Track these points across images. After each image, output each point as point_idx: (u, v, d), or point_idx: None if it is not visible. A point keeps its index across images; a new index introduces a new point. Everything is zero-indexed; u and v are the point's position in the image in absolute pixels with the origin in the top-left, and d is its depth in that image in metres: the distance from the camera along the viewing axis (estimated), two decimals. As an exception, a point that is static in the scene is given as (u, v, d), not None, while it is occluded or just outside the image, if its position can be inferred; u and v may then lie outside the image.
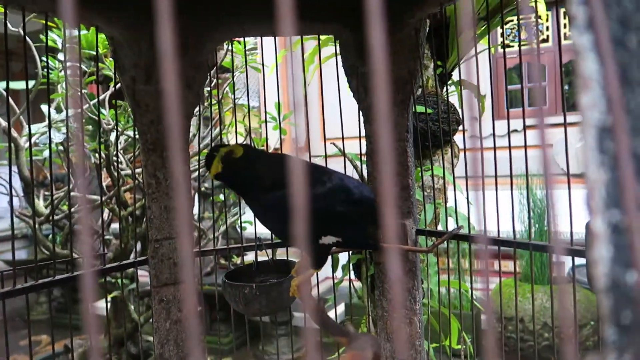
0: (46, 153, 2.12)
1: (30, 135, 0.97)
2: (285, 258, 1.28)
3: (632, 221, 0.19)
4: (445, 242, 1.15)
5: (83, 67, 2.06)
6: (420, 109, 1.55)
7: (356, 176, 1.66)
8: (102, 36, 1.31)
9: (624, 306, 0.21)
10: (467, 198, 1.23)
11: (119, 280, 2.44)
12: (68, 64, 1.84)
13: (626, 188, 0.19)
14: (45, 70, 2.13)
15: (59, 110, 2.22)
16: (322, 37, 1.56)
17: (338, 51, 1.33)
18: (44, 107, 2.14)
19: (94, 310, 0.22)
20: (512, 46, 4.78)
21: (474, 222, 1.33)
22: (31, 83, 2.06)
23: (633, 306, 0.21)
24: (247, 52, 1.60)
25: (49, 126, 0.93)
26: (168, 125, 0.19)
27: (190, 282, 0.21)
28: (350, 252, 1.52)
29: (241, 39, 2.01)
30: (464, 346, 1.74)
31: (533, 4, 1.79)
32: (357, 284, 1.83)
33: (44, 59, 2.09)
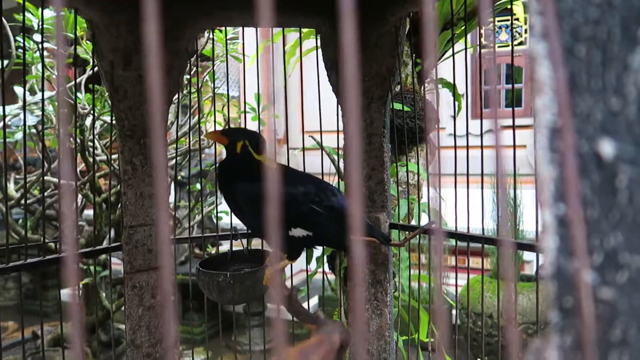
0: (17, 135, 2.07)
1: (4, 117, 0.95)
2: (260, 248, 1.29)
3: (574, 214, 0.22)
4: (417, 236, 1.18)
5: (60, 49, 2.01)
6: (397, 106, 1.58)
7: (333, 169, 1.68)
8: (80, 19, 1.28)
9: (566, 292, 0.23)
10: (439, 194, 1.26)
11: (91, 267, 2.41)
12: (46, 45, 1.80)
13: (570, 183, 0.21)
14: (19, 50, 2.08)
15: (32, 92, 2.16)
16: (304, 30, 1.57)
17: (319, 44, 1.34)
18: (17, 89, 2.09)
19: (74, 295, 0.23)
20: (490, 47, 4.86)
21: (440, 217, 1.36)
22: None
23: (574, 292, 0.23)
24: (228, 42, 1.59)
25: (24, 108, 0.92)
26: (150, 112, 0.20)
27: (167, 268, 0.23)
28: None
29: (222, 28, 1.99)
30: (433, 339, 1.79)
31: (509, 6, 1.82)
32: (331, 277, 1.86)
33: (18, 38, 2.04)
